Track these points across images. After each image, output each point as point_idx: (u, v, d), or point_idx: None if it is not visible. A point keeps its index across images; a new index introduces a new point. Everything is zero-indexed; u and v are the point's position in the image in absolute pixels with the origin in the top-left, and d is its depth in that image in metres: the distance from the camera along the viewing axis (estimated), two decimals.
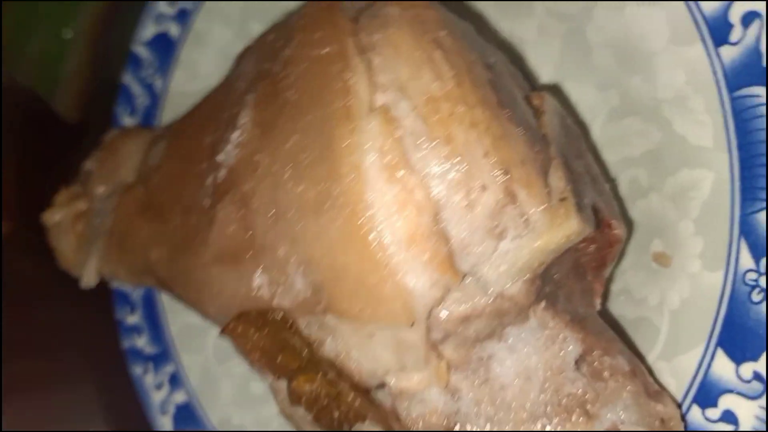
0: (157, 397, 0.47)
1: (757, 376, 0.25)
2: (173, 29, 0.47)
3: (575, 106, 0.33)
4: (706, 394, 0.26)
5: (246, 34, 0.46)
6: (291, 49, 0.26)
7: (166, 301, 0.48)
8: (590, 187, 0.27)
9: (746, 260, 0.26)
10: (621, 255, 0.29)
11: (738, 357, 0.25)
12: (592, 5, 0.31)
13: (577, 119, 0.32)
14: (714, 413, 0.26)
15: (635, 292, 0.30)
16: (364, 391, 0.26)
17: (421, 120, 0.23)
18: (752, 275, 0.25)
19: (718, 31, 0.26)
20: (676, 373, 0.28)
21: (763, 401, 0.24)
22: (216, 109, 0.32)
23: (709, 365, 0.26)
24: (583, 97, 0.33)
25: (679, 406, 0.26)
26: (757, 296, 0.25)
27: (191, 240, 0.31)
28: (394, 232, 0.22)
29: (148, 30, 0.48)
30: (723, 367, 0.26)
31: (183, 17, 0.47)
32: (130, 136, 0.42)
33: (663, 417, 0.25)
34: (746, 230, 0.26)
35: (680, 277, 0.28)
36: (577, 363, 0.25)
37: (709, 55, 0.26)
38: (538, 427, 0.25)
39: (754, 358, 0.25)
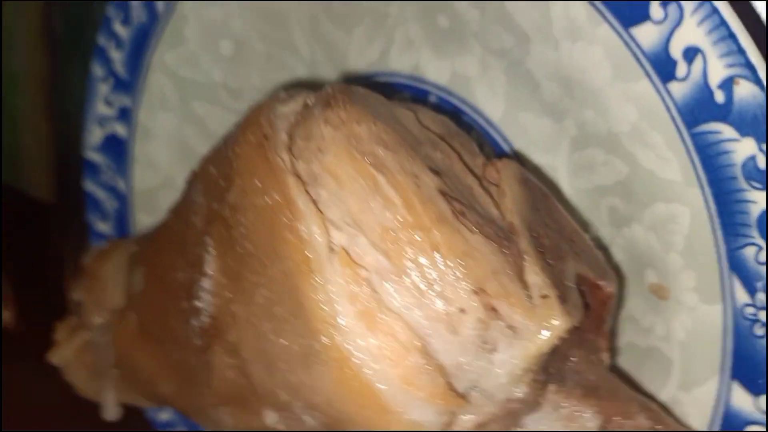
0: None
1: None
2: (119, 129, 0.46)
3: (534, 139, 0.32)
4: (731, 425, 0.26)
5: (190, 115, 0.45)
6: (234, 194, 0.25)
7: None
8: (569, 253, 0.26)
9: (741, 295, 0.25)
10: (619, 301, 0.29)
11: (754, 389, 0.25)
12: (527, 40, 0.30)
13: (541, 176, 0.31)
14: None
15: (641, 321, 0.30)
16: None
17: (382, 255, 0.22)
18: (750, 309, 0.25)
19: (663, 67, 0.25)
20: (697, 405, 0.27)
21: None
22: (179, 241, 0.31)
23: (728, 397, 0.26)
24: (540, 129, 0.32)
25: None
26: (759, 330, 0.25)
27: (194, 379, 0.31)
28: (387, 378, 0.22)
29: (95, 135, 0.47)
30: (741, 399, 0.26)
31: (125, 114, 0.46)
32: (107, 258, 0.42)
33: None
34: (736, 266, 0.25)
35: (680, 311, 0.28)
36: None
37: (658, 91, 0.25)
38: None
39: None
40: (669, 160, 0.26)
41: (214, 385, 0.29)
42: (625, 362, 0.31)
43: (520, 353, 0.22)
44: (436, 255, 0.22)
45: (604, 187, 0.30)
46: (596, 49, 0.27)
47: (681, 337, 0.28)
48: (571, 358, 0.26)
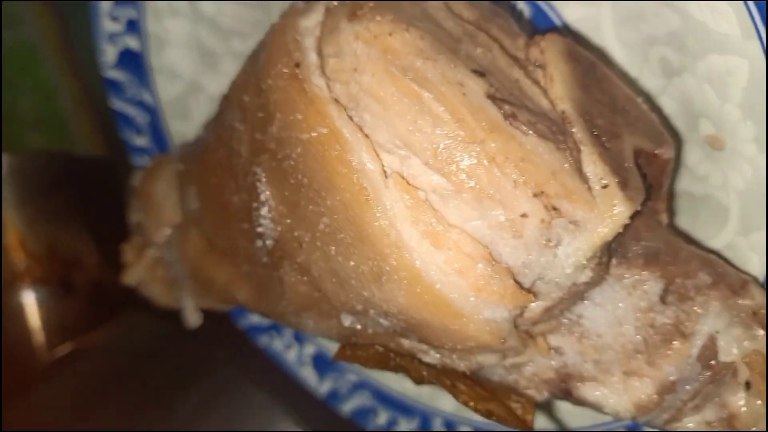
0: (291, 355, 0.52)
1: None
2: (131, 42, 0.45)
3: None
4: None
5: (200, 16, 0.43)
6: (276, 128, 0.25)
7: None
8: (624, 127, 0.25)
9: None
10: (676, 162, 0.28)
11: None
12: None
13: (582, 38, 0.29)
14: None
15: (696, 170, 0.30)
16: (471, 377, 0.28)
17: (437, 173, 0.22)
18: None
19: None
20: (756, 248, 0.28)
21: None
22: (227, 166, 0.32)
23: None
24: None
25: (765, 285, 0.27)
26: None
27: (268, 290, 0.33)
28: (458, 287, 0.23)
29: (109, 53, 0.46)
30: None
31: (133, 26, 0.44)
32: (155, 177, 0.43)
33: (753, 310, 0.26)
34: None
35: (738, 161, 0.27)
36: (662, 297, 0.26)
37: None
38: (643, 361, 0.27)
39: None
40: (726, 14, 0.24)
41: (288, 297, 0.31)
42: (680, 210, 0.31)
43: (585, 245, 0.23)
44: (493, 165, 0.22)
45: (654, 37, 0.28)
46: None
47: (740, 186, 0.28)
48: (631, 227, 0.26)
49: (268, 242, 0.29)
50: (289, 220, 0.27)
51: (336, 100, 0.23)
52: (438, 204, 0.22)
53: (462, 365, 0.27)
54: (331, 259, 0.26)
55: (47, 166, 0.47)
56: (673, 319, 0.26)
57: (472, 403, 0.26)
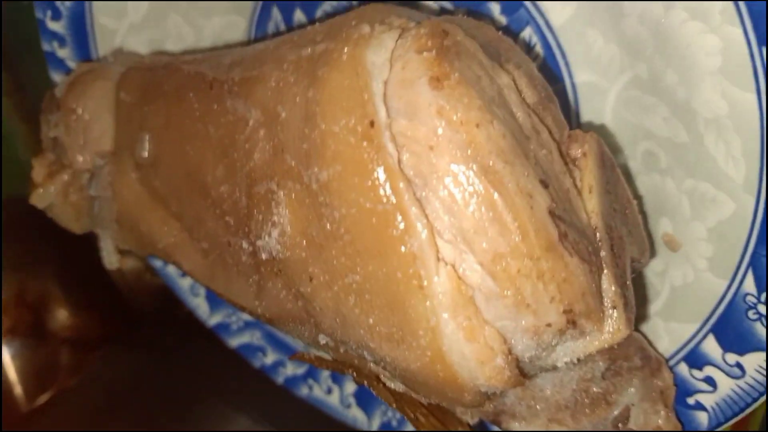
0: (184, 282, 0.51)
1: (739, 365, 0.31)
2: None
3: (593, 57, 0.31)
4: (694, 359, 0.33)
5: None
6: (328, 175, 0.24)
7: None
8: (626, 237, 0.28)
9: (749, 286, 0.29)
10: None
11: (726, 346, 0.31)
12: None
13: (611, 144, 0.30)
14: (698, 374, 0.33)
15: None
16: (426, 406, 0.31)
17: (489, 276, 0.23)
18: (752, 298, 0.29)
19: None
20: (670, 334, 0.34)
21: (741, 382, 0.31)
22: (217, 145, 0.29)
23: (700, 342, 0.32)
24: (605, 52, 0.31)
25: (667, 361, 0.33)
26: (753, 315, 0.30)
27: (235, 280, 0.32)
28: (473, 372, 0.24)
29: None
30: (711, 347, 0.32)
31: None
32: (84, 94, 0.37)
33: (662, 390, 0.32)
34: (755, 264, 0.28)
35: (686, 266, 0.32)
36: (603, 374, 0.31)
37: (761, 107, 0.25)
38: (568, 415, 0.31)
39: (740, 352, 0.31)
40: (738, 162, 0.27)
41: (266, 304, 0.30)
42: None
43: (582, 350, 0.26)
44: (539, 282, 0.23)
45: (651, 133, 0.31)
46: (714, 39, 0.25)
47: (677, 283, 0.33)
48: None
49: (263, 254, 0.28)
50: (304, 254, 0.26)
51: (406, 176, 0.23)
52: (479, 300, 0.24)
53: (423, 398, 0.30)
54: (344, 306, 0.26)
55: (7, 212, 0.44)
56: (603, 390, 0.31)
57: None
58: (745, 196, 0.28)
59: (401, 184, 0.22)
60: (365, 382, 0.31)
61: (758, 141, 0.26)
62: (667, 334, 0.34)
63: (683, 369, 0.33)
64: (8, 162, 0.47)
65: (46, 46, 0.41)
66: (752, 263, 0.29)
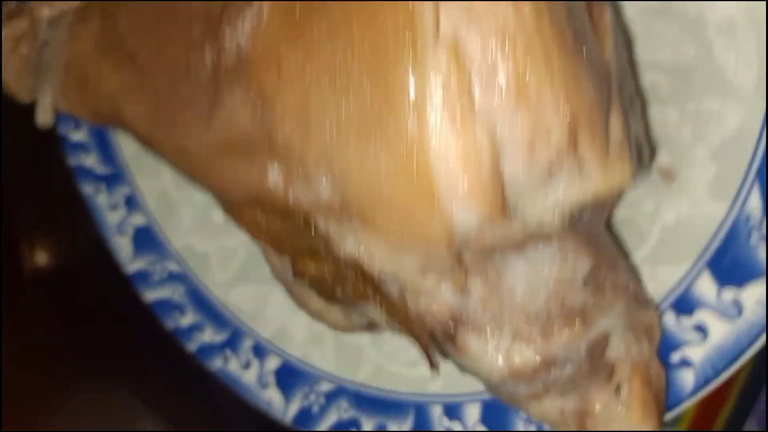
0: (113, 218, 0.46)
1: (736, 302, 0.28)
2: None
3: None
4: (685, 303, 0.29)
5: None
6: None
7: None
8: (630, 112, 0.26)
9: (755, 204, 0.27)
10: None
11: (723, 280, 0.28)
12: None
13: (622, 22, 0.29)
14: (687, 322, 0.29)
15: (629, 195, 0.31)
16: (375, 284, 0.26)
17: (491, 59, 0.20)
18: (756, 219, 0.27)
19: None
20: (657, 279, 0.30)
21: (736, 324, 0.27)
22: None
23: (692, 282, 0.29)
24: None
25: (657, 308, 0.29)
26: (755, 238, 0.27)
27: (184, 112, 0.28)
28: (450, 176, 0.21)
29: None
30: (705, 286, 0.29)
31: None
32: None
33: (647, 327, 0.28)
34: (763, 178, 0.26)
35: (681, 197, 0.29)
36: (585, 279, 0.27)
37: None
38: (537, 329, 0.27)
39: (739, 284, 0.27)
40: (750, 64, 0.26)
41: (216, 127, 0.26)
42: None
43: (578, 194, 0.23)
44: (547, 75, 0.21)
45: (658, 63, 0.30)
46: None
47: (670, 221, 0.30)
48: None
49: (228, 56, 0.24)
50: (278, 39, 0.23)
51: None
52: (476, 85, 0.20)
53: (375, 264, 0.25)
54: (313, 95, 0.22)
55: None
56: (581, 304, 0.27)
57: (390, 318, 0.24)
58: (754, 102, 0.26)
59: None
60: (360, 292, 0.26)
61: None
62: (654, 279, 0.30)
63: (670, 319, 0.29)
64: None
65: None
66: (759, 177, 0.26)
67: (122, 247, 0.44)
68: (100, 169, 0.45)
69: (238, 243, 0.43)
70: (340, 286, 0.28)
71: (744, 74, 0.26)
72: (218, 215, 0.44)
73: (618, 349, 0.27)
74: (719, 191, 0.28)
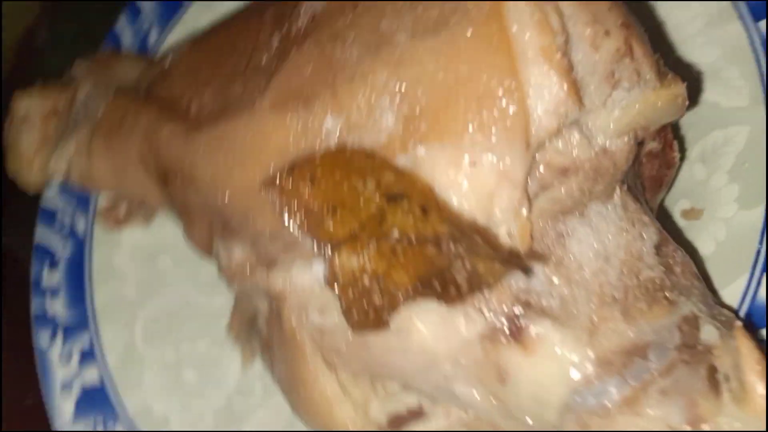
0: (61, 373, 0.40)
1: None
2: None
3: None
4: (755, 319, 0.26)
5: None
6: None
7: (96, 265, 0.42)
8: None
9: None
10: (671, 183, 0.30)
11: None
12: None
13: None
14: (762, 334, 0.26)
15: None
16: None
17: None
18: None
19: (757, 8, 0.30)
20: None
21: None
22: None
23: (755, 292, 0.27)
24: None
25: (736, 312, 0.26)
26: None
27: (231, 103, 0.28)
28: (528, 40, 0.22)
29: None
30: None
31: None
32: (127, 57, 0.39)
33: (729, 319, 0.24)
34: None
35: (713, 224, 0.29)
36: (657, 248, 0.25)
37: (747, 29, 0.30)
38: (617, 311, 0.23)
39: None
40: (740, 88, 0.30)
41: (272, 87, 0.26)
42: None
43: (639, 97, 0.23)
44: None
45: None
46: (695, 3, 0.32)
47: (709, 250, 0.29)
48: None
49: (300, 21, 0.27)
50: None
51: None
52: None
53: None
54: (388, 14, 0.24)
55: None
56: (659, 280, 0.24)
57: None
58: (754, 111, 0.29)
59: None
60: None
61: (752, 57, 0.30)
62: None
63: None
64: None
65: None
66: None
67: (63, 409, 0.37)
68: (63, 313, 0.41)
69: (207, 409, 0.37)
70: (378, 289, 0.24)
71: (737, 97, 0.30)
72: (190, 374, 0.38)
73: (713, 336, 0.23)
74: (749, 201, 0.28)
